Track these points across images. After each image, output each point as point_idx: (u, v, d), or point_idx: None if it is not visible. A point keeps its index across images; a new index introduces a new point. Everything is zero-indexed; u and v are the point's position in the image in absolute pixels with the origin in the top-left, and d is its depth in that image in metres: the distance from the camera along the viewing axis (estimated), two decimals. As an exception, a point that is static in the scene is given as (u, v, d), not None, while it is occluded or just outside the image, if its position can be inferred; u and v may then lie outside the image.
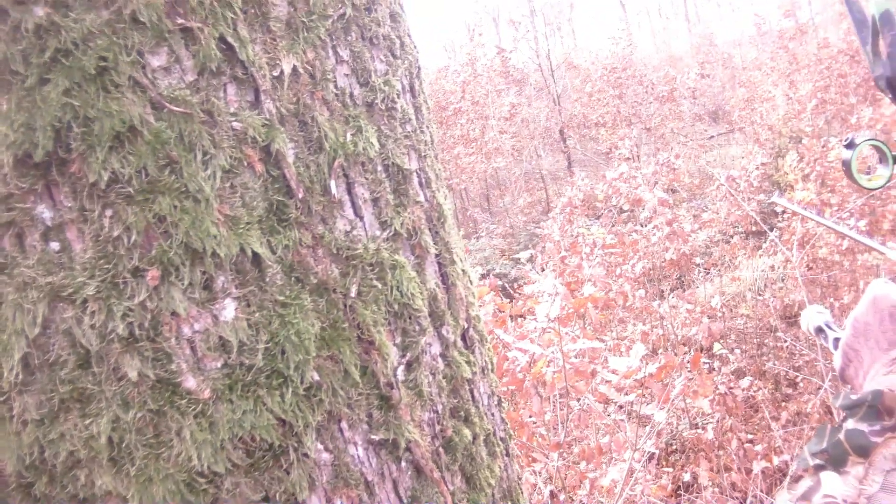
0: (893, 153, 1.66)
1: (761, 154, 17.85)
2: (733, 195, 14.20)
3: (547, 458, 5.46)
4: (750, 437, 8.66)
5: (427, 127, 1.81)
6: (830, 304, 11.31)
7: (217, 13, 1.33)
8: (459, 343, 1.77)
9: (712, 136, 28.68)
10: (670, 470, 8.17)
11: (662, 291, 12.07)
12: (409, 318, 1.60)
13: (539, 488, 5.12)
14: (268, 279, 1.36)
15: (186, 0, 1.30)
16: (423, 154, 1.74)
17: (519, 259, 9.87)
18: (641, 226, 11.67)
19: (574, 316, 7.93)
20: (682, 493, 7.84)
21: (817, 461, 1.39)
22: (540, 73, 30.65)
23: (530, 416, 5.62)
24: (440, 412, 1.66)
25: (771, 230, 13.65)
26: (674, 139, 23.69)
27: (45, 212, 1.27)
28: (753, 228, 12.00)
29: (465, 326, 1.82)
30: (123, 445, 1.29)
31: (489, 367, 1.95)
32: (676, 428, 9.50)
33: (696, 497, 7.74)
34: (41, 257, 1.27)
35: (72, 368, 1.28)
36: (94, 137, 1.24)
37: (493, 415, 1.90)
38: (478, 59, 25.93)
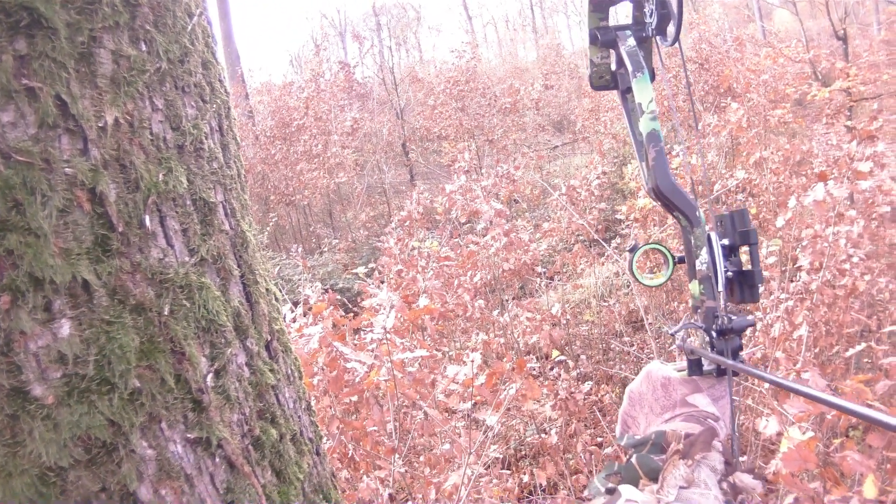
0: (674, 256, 1.87)
1: (603, 163, 18.11)
2: (566, 207, 14.47)
3: (391, 464, 5.60)
4: (599, 440, 8.80)
5: (234, 161, 1.96)
6: (675, 308, 11.69)
7: (54, 74, 1.46)
8: (263, 353, 1.93)
9: (556, 147, 28.66)
10: (507, 472, 8.17)
11: (503, 301, 12.21)
12: (216, 332, 1.75)
13: (380, 492, 5.25)
14: (95, 301, 1.50)
15: (29, 63, 1.44)
16: (228, 187, 1.89)
17: (357, 274, 9.85)
18: (481, 237, 11.69)
19: (413, 328, 8.03)
20: (534, 496, 7.91)
21: (609, 485, 1.57)
22: (383, 87, 30.48)
23: (374, 426, 5.74)
24: (248, 414, 1.82)
25: (614, 237, 13.93)
26: (517, 150, 23.80)
27: None
28: (596, 236, 12.20)
29: (269, 339, 1.97)
30: (-13, 446, 1.42)
31: (295, 374, 2.11)
32: (524, 434, 9.62)
33: (547, 499, 7.89)
34: None
35: (-56, 380, 1.41)
36: (-44, 186, 1.38)
37: (299, 417, 2.06)
38: (322, 75, 25.73)
